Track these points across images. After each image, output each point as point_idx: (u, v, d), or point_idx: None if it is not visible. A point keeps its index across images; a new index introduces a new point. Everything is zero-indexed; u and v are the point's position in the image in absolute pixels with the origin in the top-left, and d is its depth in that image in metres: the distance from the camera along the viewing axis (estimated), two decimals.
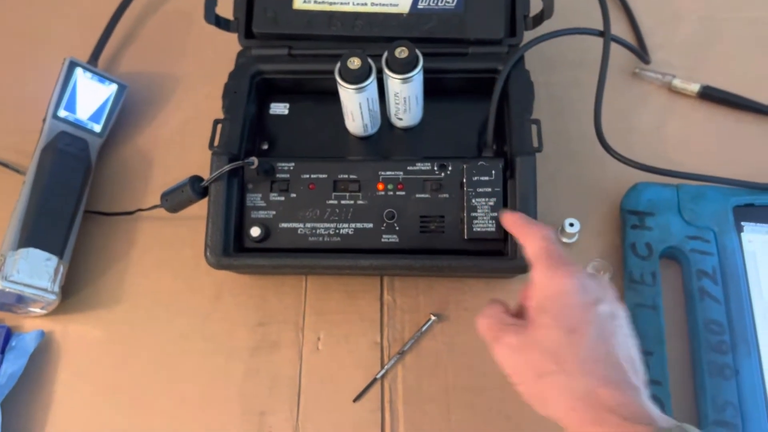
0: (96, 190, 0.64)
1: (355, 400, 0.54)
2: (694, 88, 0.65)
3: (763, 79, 0.65)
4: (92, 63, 0.69)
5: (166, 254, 0.61)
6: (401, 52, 0.53)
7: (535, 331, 0.41)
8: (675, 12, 0.71)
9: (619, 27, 0.70)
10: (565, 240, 0.57)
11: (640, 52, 0.67)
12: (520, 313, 0.44)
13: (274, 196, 0.55)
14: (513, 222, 0.48)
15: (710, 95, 0.65)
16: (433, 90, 0.59)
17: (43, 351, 0.57)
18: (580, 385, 0.38)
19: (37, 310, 0.57)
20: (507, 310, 0.44)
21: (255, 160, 0.53)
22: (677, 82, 0.66)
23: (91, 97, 0.65)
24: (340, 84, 0.53)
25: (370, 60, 0.53)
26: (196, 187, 0.53)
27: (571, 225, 0.56)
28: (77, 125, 0.64)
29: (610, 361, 0.39)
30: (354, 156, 0.59)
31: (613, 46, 0.63)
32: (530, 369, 0.40)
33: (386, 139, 0.60)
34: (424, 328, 0.56)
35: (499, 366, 0.42)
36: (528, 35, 0.60)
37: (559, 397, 0.39)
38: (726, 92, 0.64)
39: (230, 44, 0.62)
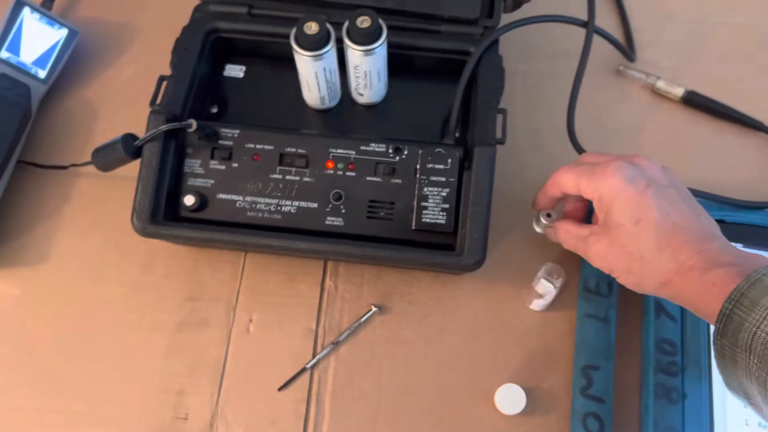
0: (34, 140, 0.60)
1: (280, 389, 0.51)
2: (678, 92, 0.62)
3: (749, 91, 0.62)
4: (46, 6, 0.64)
5: (100, 215, 0.57)
6: (363, 21, 0.49)
7: (610, 232, 0.45)
8: (667, 12, 0.67)
9: (608, 21, 0.66)
10: (538, 230, 0.53)
11: (626, 48, 0.63)
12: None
13: (214, 164, 0.51)
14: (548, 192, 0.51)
15: (694, 101, 0.61)
16: (399, 67, 0.55)
17: None
18: (662, 265, 0.43)
19: None
20: (576, 223, 0.49)
21: (193, 122, 0.49)
22: (661, 84, 0.62)
23: (38, 40, 0.61)
24: (296, 50, 0.49)
25: (329, 26, 0.49)
26: (129, 146, 0.49)
27: (548, 215, 0.52)
28: (19, 68, 0.60)
29: (679, 228, 0.43)
30: (308, 129, 0.55)
31: (599, 40, 0.59)
32: (620, 265, 0.45)
33: (345, 115, 0.57)
34: (363, 319, 0.53)
35: (597, 267, 0.47)
36: (506, 18, 0.56)
37: (650, 279, 0.44)
38: (710, 99, 0.61)
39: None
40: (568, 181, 0.47)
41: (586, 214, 0.52)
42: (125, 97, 0.63)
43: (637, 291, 0.46)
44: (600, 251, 0.46)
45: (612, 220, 0.45)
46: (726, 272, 0.40)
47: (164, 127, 0.49)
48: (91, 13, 0.67)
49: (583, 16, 0.57)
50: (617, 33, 0.65)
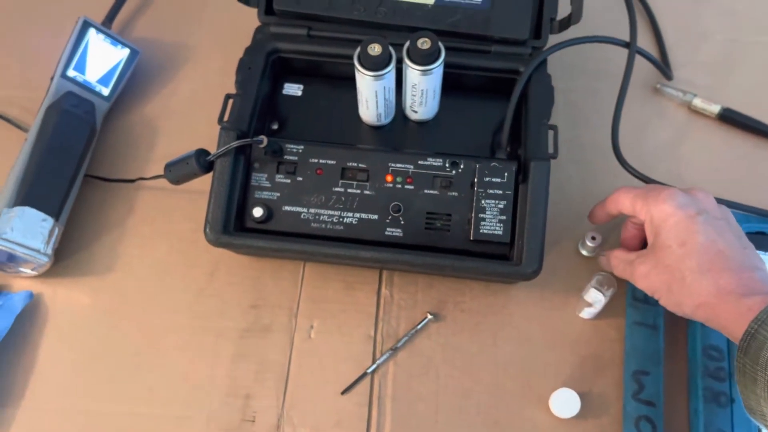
0: (98, 155, 0.63)
1: (343, 393, 0.53)
2: (714, 109, 0.64)
3: None
4: (106, 25, 0.67)
5: (163, 226, 0.60)
6: (423, 43, 0.51)
7: (656, 254, 0.48)
8: (701, 31, 0.70)
9: (644, 40, 0.69)
10: (585, 253, 0.57)
11: (664, 67, 0.66)
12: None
13: (280, 178, 0.54)
14: (601, 214, 0.55)
15: (730, 118, 0.64)
16: (451, 85, 0.58)
17: (30, 313, 0.56)
18: (702, 287, 0.45)
19: (28, 271, 0.56)
20: (626, 250, 0.53)
21: (264, 138, 0.52)
22: (698, 102, 0.65)
23: (102, 60, 0.64)
24: (358, 70, 0.52)
25: (391, 48, 0.52)
26: (202, 161, 0.52)
27: (593, 239, 0.55)
28: (85, 87, 0.62)
29: (723, 256, 0.45)
30: (364, 144, 0.58)
31: (638, 59, 0.62)
32: (662, 285, 0.47)
33: (398, 131, 0.59)
34: (419, 326, 0.55)
35: (642, 290, 0.50)
36: (553, 39, 0.59)
37: (689, 300, 0.46)
38: (746, 116, 0.63)
39: (246, 19, 0.60)
40: (626, 201, 0.50)
41: (640, 244, 0.54)
42: (183, 113, 0.66)
43: (676, 312, 0.48)
44: (644, 272, 0.49)
45: (659, 242, 0.48)
46: (762, 300, 0.42)
47: (237, 143, 0.52)
48: (146, 32, 0.70)
49: (614, 32, 0.60)
50: (653, 50, 0.68)
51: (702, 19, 0.70)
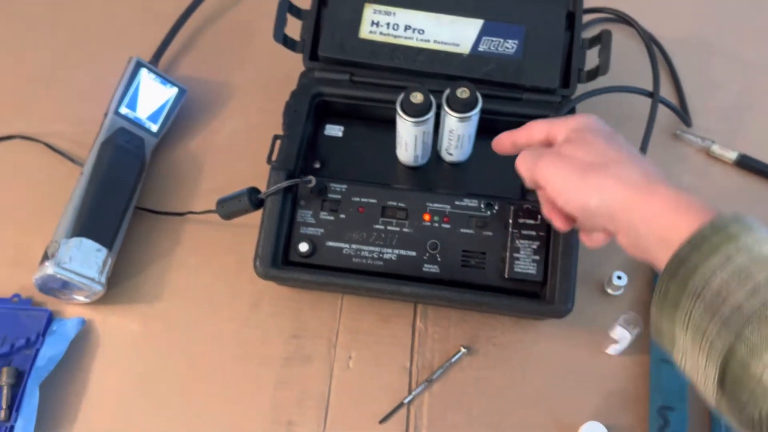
0: (146, 188, 0.66)
1: (381, 422, 0.56)
2: (732, 155, 0.67)
3: None
4: (153, 63, 0.71)
5: (209, 257, 0.63)
6: (463, 92, 0.55)
7: (574, 144, 0.45)
8: (717, 79, 0.73)
9: (663, 87, 0.72)
10: (610, 291, 0.60)
11: (683, 114, 0.69)
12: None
13: (324, 215, 0.57)
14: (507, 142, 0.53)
15: (747, 164, 0.67)
16: (484, 129, 0.61)
17: (82, 338, 0.59)
18: (633, 169, 0.42)
19: (81, 299, 0.59)
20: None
21: (313, 179, 0.55)
22: (716, 148, 0.68)
23: (152, 98, 0.67)
24: (400, 115, 0.55)
25: (431, 97, 0.55)
26: (253, 199, 0.55)
27: (619, 278, 0.58)
28: (136, 123, 0.66)
29: (651, 163, 0.43)
30: (400, 184, 0.61)
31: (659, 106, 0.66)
32: (577, 168, 0.44)
33: (433, 171, 0.62)
34: (453, 359, 0.58)
35: (545, 182, 0.46)
36: (581, 88, 0.62)
37: (615, 183, 0.42)
38: (762, 163, 0.67)
39: (287, 60, 0.64)
40: (541, 126, 0.50)
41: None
42: (226, 150, 0.69)
43: (584, 209, 0.44)
44: (552, 160, 0.46)
45: (581, 136, 0.46)
46: (696, 213, 0.39)
47: (287, 183, 0.55)
48: (191, 71, 0.74)
49: (642, 82, 0.64)
50: (672, 98, 0.71)
51: (717, 68, 0.74)
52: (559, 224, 0.49)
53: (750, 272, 0.35)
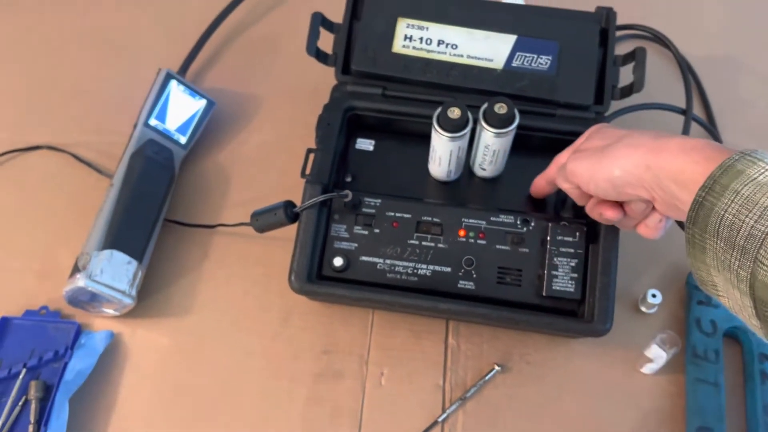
0: (174, 200, 0.66)
1: None
2: None
3: None
4: (180, 74, 0.71)
5: (238, 270, 0.62)
6: (500, 108, 0.55)
7: (589, 139, 0.51)
8: (745, 97, 0.73)
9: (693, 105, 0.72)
10: (644, 309, 0.59)
11: (714, 131, 0.69)
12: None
13: (358, 229, 0.57)
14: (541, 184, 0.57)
15: None
16: (516, 144, 0.60)
17: (111, 352, 0.58)
18: (644, 134, 0.46)
19: (110, 311, 0.59)
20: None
21: (349, 193, 0.55)
22: None
23: (181, 110, 0.67)
24: (437, 130, 0.55)
25: (468, 112, 0.55)
26: (289, 212, 0.55)
27: (654, 296, 0.57)
28: (165, 135, 0.66)
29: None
30: (432, 199, 0.61)
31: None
32: (596, 152, 0.48)
33: (465, 186, 0.62)
34: (487, 378, 0.57)
35: (577, 178, 0.50)
36: (614, 105, 0.62)
37: (628, 148, 0.46)
38: None
39: (314, 72, 0.65)
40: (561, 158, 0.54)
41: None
42: (253, 162, 0.69)
43: (607, 183, 0.47)
44: (574, 156, 0.51)
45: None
46: (710, 157, 0.41)
47: (323, 197, 0.54)
48: (218, 82, 0.74)
49: (673, 100, 0.63)
50: (701, 116, 0.71)
51: (745, 87, 0.74)
52: (608, 213, 0.51)
53: (756, 200, 0.38)
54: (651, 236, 0.51)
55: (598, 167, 0.48)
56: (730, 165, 0.39)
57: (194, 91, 0.68)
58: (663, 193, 0.44)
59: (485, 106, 0.55)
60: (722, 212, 0.39)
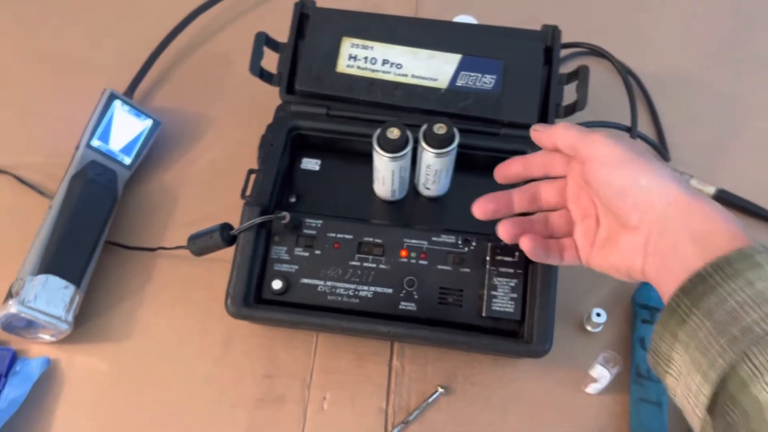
0: (117, 222, 0.64)
1: None
2: (710, 190, 0.67)
3: None
4: (128, 94, 0.70)
5: (180, 294, 0.61)
6: (439, 128, 0.54)
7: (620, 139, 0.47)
8: (694, 114, 0.73)
9: (641, 120, 0.72)
10: (589, 329, 0.59)
11: (661, 148, 0.69)
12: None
13: (298, 251, 0.56)
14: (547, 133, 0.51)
15: (725, 199, 0.67)
16: (461, 164, 0.60)
17: (47, 379, 0.57)
18: (669, 180, 0.43)
19: (47, 337, 0.57)
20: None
21: (287, 215, 0.54)
22: (694, 183, 0.68)
23: (125, 130, 0.66)
24: (377, 151, 0.55)
25: (408, 132, 0.55)
26: (225, 235, 0.54)
27: (598, 315, 0.57)
28: (108, 156, 0.65)
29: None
30: (377, 219, 0.60)
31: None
32: (633, 150, 0.45)
33: (410, 206, 0.61)
34: (430, 400, 0.56)
35: (594, 154, 0.46)
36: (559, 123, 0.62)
37: (670, 174, 0.44)
38: (741, 198, 0.67)
39: (264, 93, 0.64)
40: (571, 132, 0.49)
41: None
42: (201, 182, 0.68)
43: (629, 211, 0.44)
44: (607, 139, 0.47)
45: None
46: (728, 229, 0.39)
47: (260, 219, 0.54)
48: (166, 102, 0.73)
49: (620, 116, 0.64)
50: (650, 132, 0.71)
51: (695, 102, 0.74)
52: (548, 196, 0.51)
53: (767, 298, 0.36)
54: (552, 262, 0.50)
55: (629, 163, 0.44)
56: (750, 254, 0.38)
57: (139, 111, 0.67)
58: (659, 234, 0.42)
59: (425, 126, 0.55)
60: (726, 296, 0.37)
